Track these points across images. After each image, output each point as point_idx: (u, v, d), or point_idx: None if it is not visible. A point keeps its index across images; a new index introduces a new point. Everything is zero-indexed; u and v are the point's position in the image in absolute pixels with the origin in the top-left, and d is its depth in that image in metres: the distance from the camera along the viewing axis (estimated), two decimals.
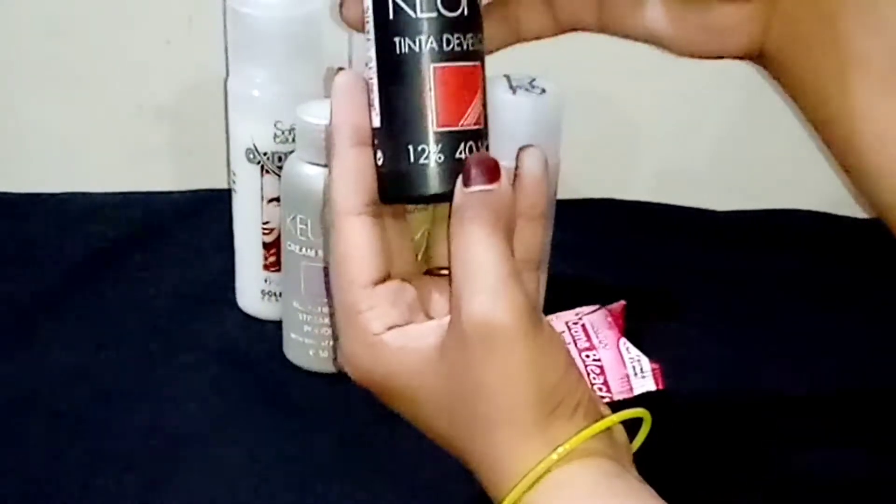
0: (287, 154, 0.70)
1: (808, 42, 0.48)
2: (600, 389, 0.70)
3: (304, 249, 0.69)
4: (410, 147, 0.45)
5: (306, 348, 0.71)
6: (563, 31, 0.51)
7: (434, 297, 0.48)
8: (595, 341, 0.73)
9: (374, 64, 0.45)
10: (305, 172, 0.67)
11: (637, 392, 0.70)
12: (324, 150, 0.64)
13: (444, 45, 0.44)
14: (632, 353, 0.72)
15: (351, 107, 0.46)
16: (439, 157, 0.45)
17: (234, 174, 0.74)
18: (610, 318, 0.75)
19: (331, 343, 0.70)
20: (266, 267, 0.75)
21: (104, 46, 0.87)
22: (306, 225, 0.68)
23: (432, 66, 0.44)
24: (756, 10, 0.48)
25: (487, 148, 0.46)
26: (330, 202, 0.46)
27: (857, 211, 0.91)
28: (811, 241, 0.89)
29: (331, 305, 0.48)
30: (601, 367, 0.71)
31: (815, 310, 0.81)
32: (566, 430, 0.44)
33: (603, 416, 0.45)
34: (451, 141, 0.45)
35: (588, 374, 0.71)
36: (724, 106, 0.90)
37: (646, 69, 0.83)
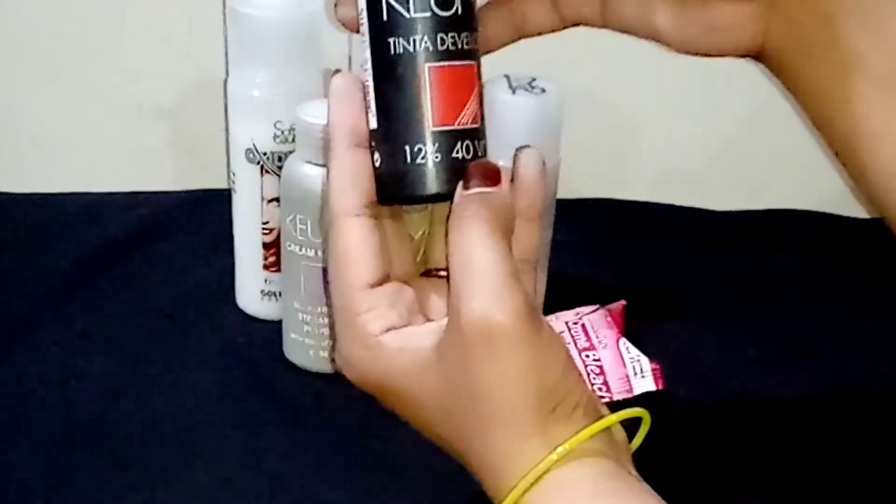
0: (287, 154, 0.70)
1: (808, 42, 0.48)
2: (600, 389, 0.70)
3: (303, 249, 0.69)
4: (407, 147, 0.45)
5: (306, 348, 0.71)
6: (566, 27, 0.51)
7: (432, 299, 0.48)
8: (595, 341, 0.73)
9: (369, 65, 0.45)
10: (305, 172, 0.67)
11: (637, 392, 0.70)
12: (322, 151, 0.64)
13: (439, 44, 0.44)
14: (632, 353, 0.72)
15: (348, 108, 0.46)
16: (436, 157, 0.45)
17: (233, 174, 0.74)
18: (610, 318, 0.75)
19: (330, 343, 0.70)
20: (266, 267, 0.75)
21: (104, 46, 0.87)
22: (306, 225, 0.68)
23: (427, 65, 0.44)
24: (756, 10, 0.48)
25: (485, 147, 0.46)
26: (328, 204, 0.46)
27: (857, 211, 0.90)
28: (811, 240, 0.89)
29: (329, 307, 0.48)
30: (601, 367, 0.71)
31: (815, 310, 0.81)
32: (565, 431, 0.44)
33: (602, 416, 0.45)
34: (447, 140, 0.45)
35: (588, 374, 0.71)
36: (724, 106, 0.90)
37: (646, 69, 0.84)
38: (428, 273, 0.49)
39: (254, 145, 0.72)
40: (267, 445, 0.67)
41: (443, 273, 0.48)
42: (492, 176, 0.44)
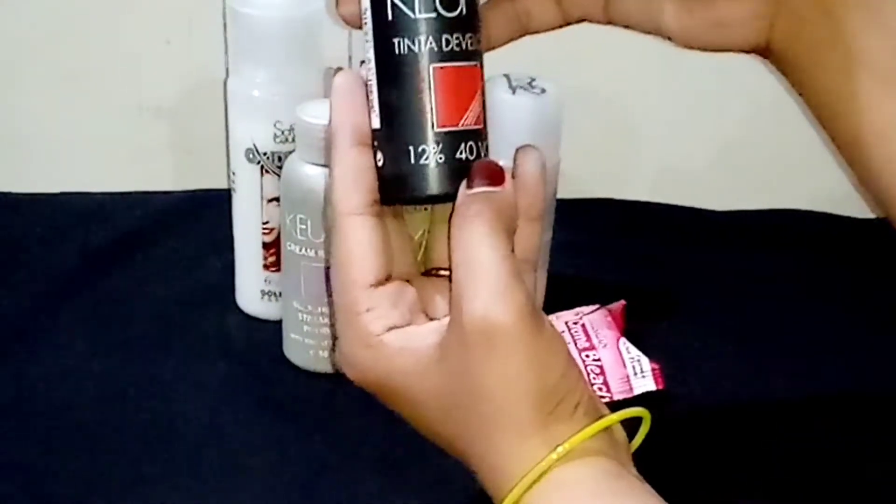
0: (287, 154, 0.70)
1: (813, 38, 0.48)
2: (600, 389, 0.70)
3: (304, 249, 0.69)
4: (411, 148, 0.45)
5: (306, 348, 0.71)
6: (570, 24, 0.51)
7: (434, 298, 0.48)
8: (595, 341, 0.73)
9: (372, 65, 0.45)
10: (305, 172, 0.67)
11: (637, 392, 0.70)
12: (324, 150, 0.64)
13: (444, 45, 0.44)
14: (632, 352, 0.72)
15: (351, 107, 0.46)
16: (440, 158, 0.45)
17: (233, 174, 0.74)
18: (610, 318, 0.75)
19: (330, 343, 0.70)
20: (266, 267, 0.75)
21: (104, 46, 0.87)
22: (306, 225, 0.68)
23: (432, 66, 0.44)
24: (761, 6, 0.48)
25: (487, 148, 0.46)
26: (331, 203, 0.46)
27: (857, 211, 0.90)
28: (811, 241, 0.89)
29: (331, 306, 0.48)
30: (601, 367, 0.71)
31: (816, 309, 0.81)
32: (566, 430, 0.44)
33: (603, 416, 0.45)
34: (451, 141, 0.45)
35: (588, 374, 0.71)
36: (724, 106, 0.90)
37: (646, 69, 0.84)
38: (429, 273, 0.49)
39: (254, 145, 0.72)
40: (267, 445, 0.67)
41: (444, 273, 0.48)
42: (495, 176, 0.44)
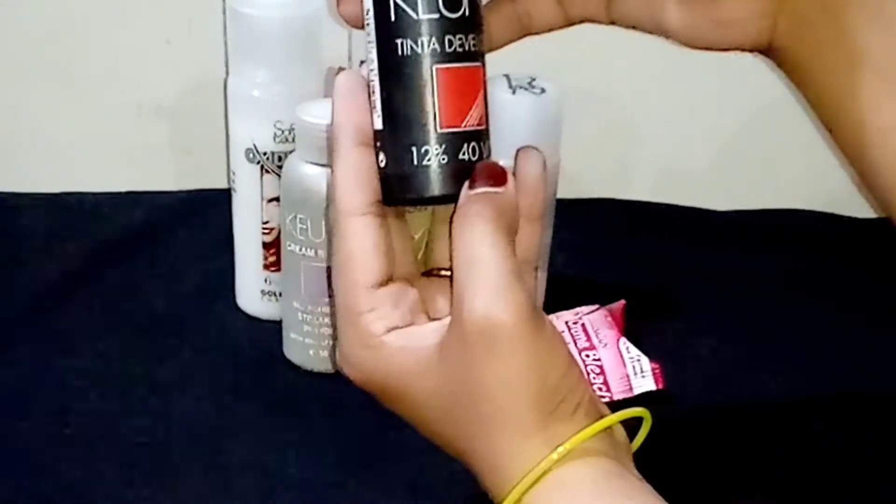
0: (287, 154, 0.70)
1: (816, 37, 0.48)
2: (600, 389, 0.70)
3: (304, 249, 0.69)
4: (414, 149, 0.44)
5: (306, 348, 0.71)
6: (572, 24, 0.51)
7: (435, 299, 0.48)
8: (595, 341, 0.73)
9: (375, 65, 0.45)
10: (305, 172, 0.67)
11: (637, 392, 0.70)
12: (324, 150, 0.64)
13: (447, 46, 0.44)
14: (632, 352, 0.72)
15: (353, 107, 0.46)
16: (443, 159, 0.44)
17: (233, 174, 0.74)
18: (610, 318, 0.75)
19: (330, 343, 0.70)
20: (266, 267, 0.75)
21: (104, 46, 0.87)
22: (306, 225, 0.68)
23: (434, 67, 0.44)
24: (764, 5, 0.48)
25: (490, 148, 0.46)
26: (333, 203, 0.46)
27: (858, 211, 0.90)
28: (812, 241, 0.89)
29: (332, 306, 0.48)
30: (601, 367, 0.71)
31: (816, 309, 0.81)
32: (566, 430, 0.43)
33: (603, 416, 0.45)
34: (454, 142, 0.44)
35: (588, 374, 0.71)
36: (724, 106, 0.90)
37: (646, 69, 0.84)
38: (430, 273, 0.49)
39: (254, 145, 0.72)
40: (267, 445, 0.67)
41: (444, 273, 0.48)
42: (498, 177, 0.44)
